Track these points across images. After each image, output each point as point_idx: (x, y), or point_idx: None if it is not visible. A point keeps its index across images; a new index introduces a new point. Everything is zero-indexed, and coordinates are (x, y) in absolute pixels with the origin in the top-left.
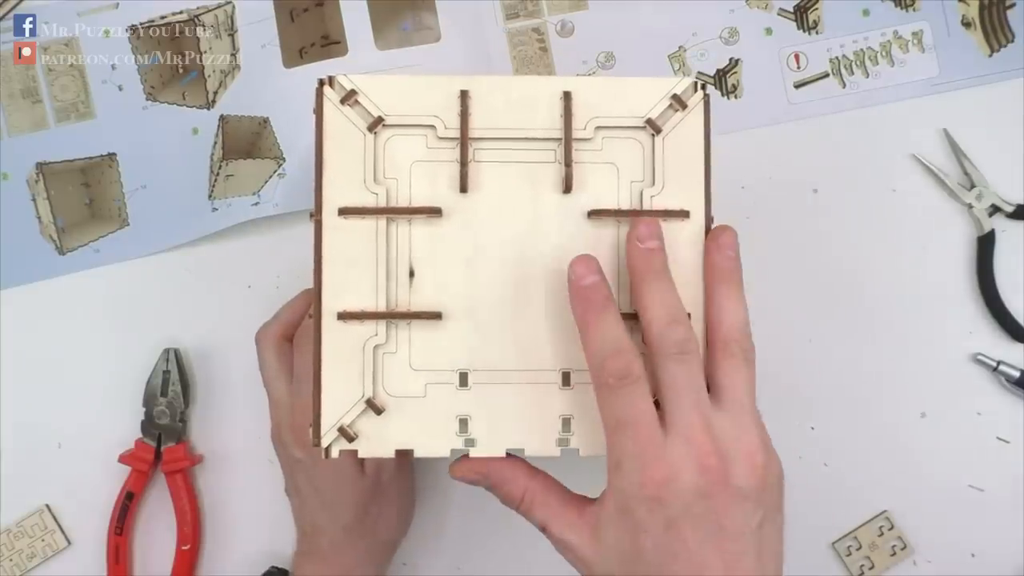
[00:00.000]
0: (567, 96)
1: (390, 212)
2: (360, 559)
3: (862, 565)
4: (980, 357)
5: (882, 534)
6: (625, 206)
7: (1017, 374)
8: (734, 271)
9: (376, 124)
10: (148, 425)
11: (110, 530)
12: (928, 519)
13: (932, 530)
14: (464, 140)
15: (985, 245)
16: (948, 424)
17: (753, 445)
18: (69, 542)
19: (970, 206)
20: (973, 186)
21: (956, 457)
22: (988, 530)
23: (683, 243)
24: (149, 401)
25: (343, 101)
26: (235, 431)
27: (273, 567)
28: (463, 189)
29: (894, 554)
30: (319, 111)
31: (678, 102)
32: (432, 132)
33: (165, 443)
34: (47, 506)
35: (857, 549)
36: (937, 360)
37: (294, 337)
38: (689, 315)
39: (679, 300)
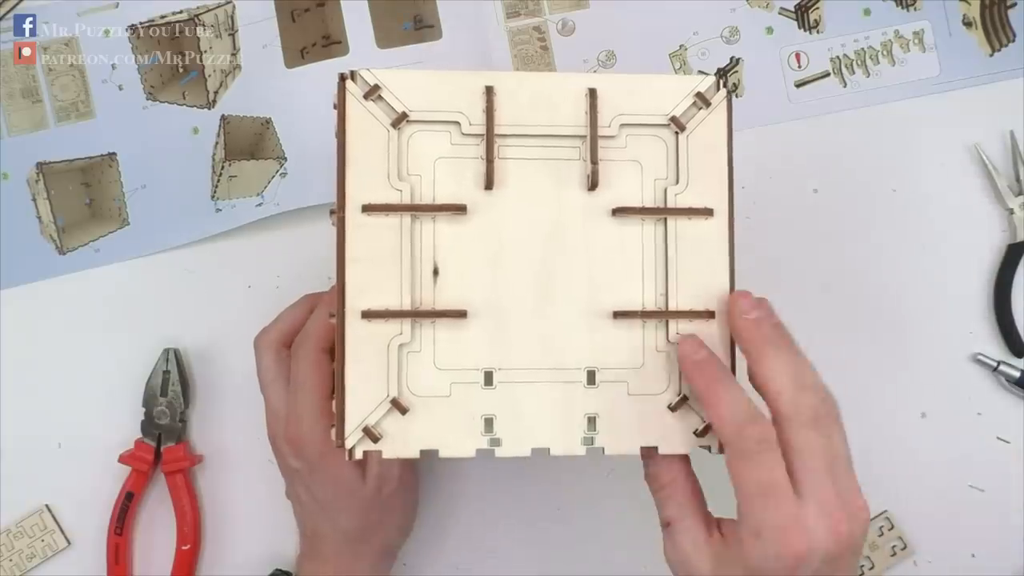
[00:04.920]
0: (592, 93)
1: (414, 209)
2: (362, 563)
3: (862, 565)
4: (980, 357)
5: (882, 534)
6: (649, 204)
7: (1017, 374)
8: (760, 335)
9: (400, 120)
10: (148, 425)
11: (110, 530)
12: (928, 519)
13: (932, 530)
14: (490, 137)
15: (1014, 253)
16: (948, 424)
17: (861, 500)
18: (69, 542)
19: (1011, 211)
20: (1021, 192)
21: (956, 457)
22: (988, 530)
23: (707, 241)
24: (149, 401)
25: (366, 96)
26: (235, 431)
27: (277, 569)
28: (488, 186)
29: (894, 554)
30: (341, 106)
31: (702, 100)
32: (456, 128)
33: (165, 443)
34: (47, 506)
35: None
36: (937, 360)
37: (292, 344)
38: (713, 313)
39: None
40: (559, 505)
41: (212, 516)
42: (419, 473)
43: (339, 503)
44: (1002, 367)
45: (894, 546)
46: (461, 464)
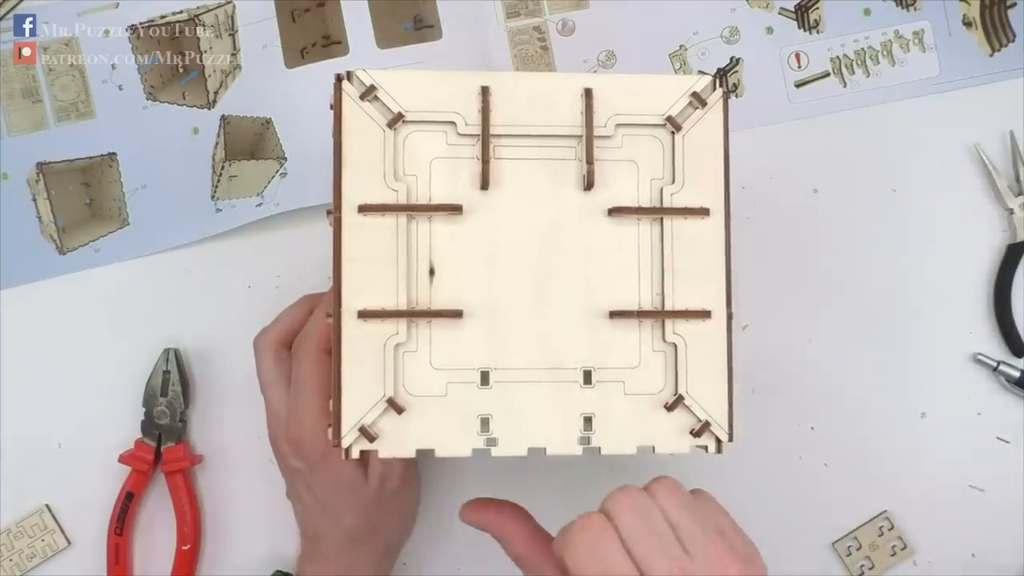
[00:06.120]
0: (588, 93)
1: (410, 209)
2: (363, 563)
3: (862, 565)
4: (980, 357)
5: (882, 534)
6: (645, 204)
7: (1017, 374)
8: None
9: (396, 120)
10: (148, 425)
11: (110, 530)
12: (928, 519)
13: (932, 530)
14: (485, 137)
15: (1014, 253)
16: (948, 424)
17: None
18: (69, 542)
19: (1011, 211)
20: (1021, 192)
21: (956, 457)
22: (988, 530)
23: (703, 241)
24: (149, 401)
25: (362, 97)
26: (235, 431)
27: (278, 571)
28: (484, 186)
29: (894, 554)
30: (337, 107)
31: (698, 100)
32: (452, 128)
33: (165, 443)
34: (47, 506)
35: (857, 549)
36: (937, 360)
37: (292, 344)
38: (709, 313)
39: None
40: (559, 505)
41: (212, 516)
42: (420, 472)
43: (341, 503)
44: (1002, 367)
45: (894, 546)
46: (461, 464)
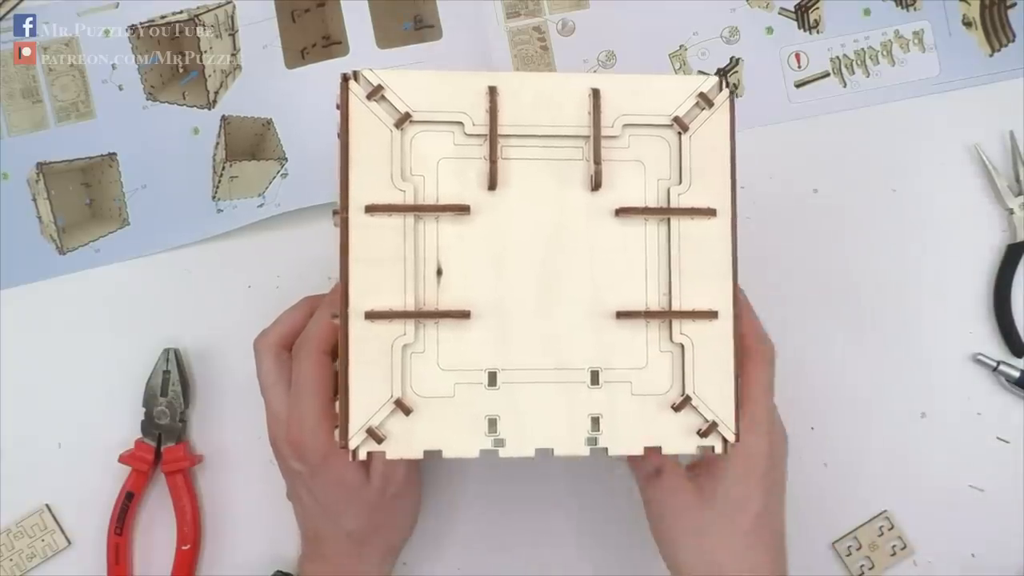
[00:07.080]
0: (595, 93)
1: (417, 210)
2: (365, 564)
3: (862, 565)
4: (980, 357)
5: (882, 534)
6: (652, 204)
7: (1017, 374)
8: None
9: (403, 120)
10: (148, 425)
11: (110, 530)
12: (928, 519)
13: (932, 530)
14: (493, 137)
15: (1014, 253)
16: (948, 424)
17: None
18: (69, 542)
19: (1011, 211)
20: (1021, 192)
21: (956, 457)
22: (988, 530)
23: (710, 241)
24: (149, 401)
25: (369, 97)
26: (235, 431)
27: (279, 571)
28: (491, 187)
29: (894, 554)
30: (344, 107)
31: (704, 100)
32: (459, 129)
33: (165, 443)
34: (47, 506)
35: (857, 549)
36: (937, 360)
37: (293, 346)
38: (716, 313)
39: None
40: (561, 505)
41: (212, 516)
42: (421, 473)
43: (342, 505)
44: (1002, 367)
45: (894, 546)
46: (462, 464)
